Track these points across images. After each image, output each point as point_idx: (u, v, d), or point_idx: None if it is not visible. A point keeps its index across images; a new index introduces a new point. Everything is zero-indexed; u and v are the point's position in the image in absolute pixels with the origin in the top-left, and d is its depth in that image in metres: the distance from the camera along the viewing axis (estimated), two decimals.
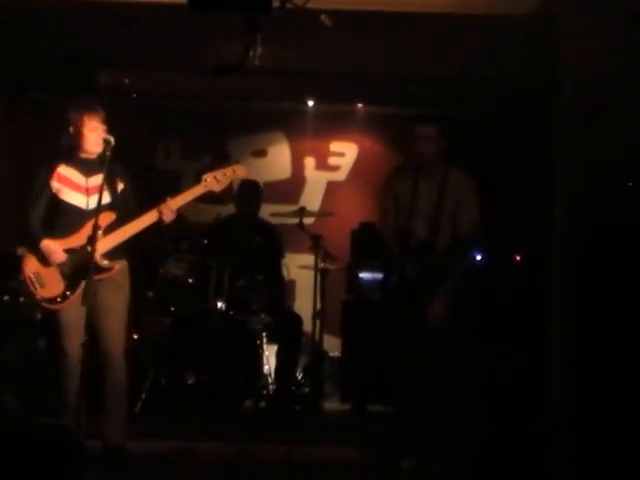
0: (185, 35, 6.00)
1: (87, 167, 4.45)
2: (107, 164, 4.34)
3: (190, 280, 6.04)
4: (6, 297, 5.82)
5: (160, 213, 4.39)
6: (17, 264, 5.94)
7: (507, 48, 5.81)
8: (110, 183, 4.44)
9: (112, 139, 4.38)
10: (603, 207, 4.56)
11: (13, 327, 5.73)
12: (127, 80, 7.24)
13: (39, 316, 5.70)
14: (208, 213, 6.31)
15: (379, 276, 6.26)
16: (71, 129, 4.46)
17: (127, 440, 4.47)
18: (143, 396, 5.61)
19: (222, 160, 7.54)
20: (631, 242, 4.45)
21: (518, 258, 6.22)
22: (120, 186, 4.50)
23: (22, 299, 5.77)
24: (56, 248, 4.40)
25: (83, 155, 4.47)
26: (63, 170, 4.47)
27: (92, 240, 4.23)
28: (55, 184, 4.47)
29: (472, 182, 4.67)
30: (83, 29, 6.00)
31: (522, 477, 4.03)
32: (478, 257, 5.76)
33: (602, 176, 4.60)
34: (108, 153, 4.36)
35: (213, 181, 4.48)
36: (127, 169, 4.61)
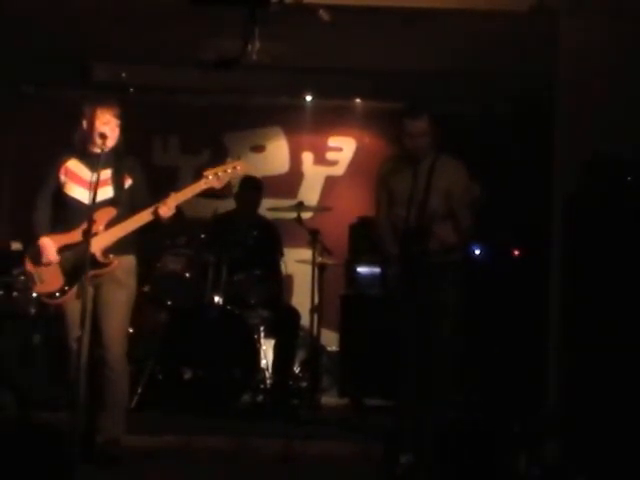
0: (183, 29, 5.98)
1: (95, 162, 4.39)
2: (103, 156, 4.31)
3: (187, 275, 6.03)
4: (0, 292, 5.80)
5: (157, 209, 4.35)
6: (10, 259, 5.98)
7: (507, 44, 5.80)
8: (117, 178, 4.42)
9: (108, 133, 4.36)
10: (602, 201, 4.56)
11: (7, 322, 5.72)
12: (124, 74, 7.22)
13: (33, 311, 5.70)
14: (206, 208, 6.30)
15: (377, 271, 6.25)
16: (84, 122, 4.44)
17: (124, 435, 4.45)
18: (140, 391, 5.61)
19: (220, 155, 7.55)
20: (630, 236, 4.45)
21: (517, 252, 6.22)
22: (128, 182, 4.46)
23: (15, 294, 5.76)
24: (50, 249, 4.38)
25: (95, 149, 4.43)
26: (72, 164, 4.45)
27: (87, 235, 4.20)
28: (62, 177, 4.46)
29: (461, 166, 4.68)
30: (80, 23, 5.98)
31: (522, 470, 4.04)
32: (477, 251, 5.78)
33: (601, 171, 4.61)
34: (104, 148, 4.34)
35: (214, 178, 4.44)
36: (139, 165, 4.59)
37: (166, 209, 4.36)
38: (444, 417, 4.49)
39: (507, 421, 4.57)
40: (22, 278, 5.78)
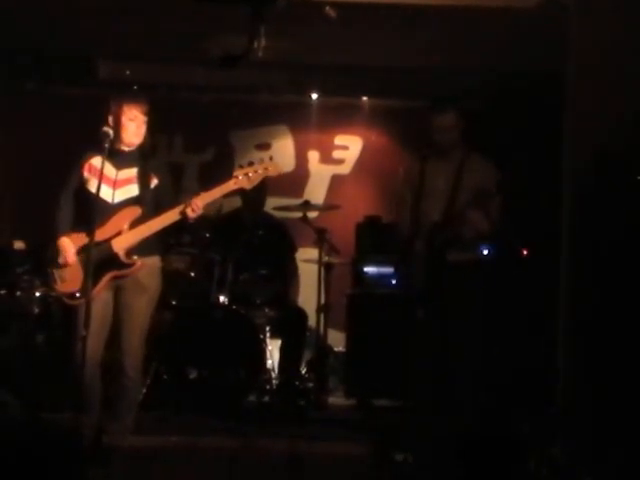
0: (188, 26, 5.96)
1: (121, 160, 4.36)
2: (106, 154, 4.25)
3: (192, 274, 6.00)
4: (3, 291, 5.78)
5: (187, 209, 4.29)
6: (13, 258, 5.96)
7: (515, 41, 5.78)
8: (142, 177, 4.37)
9: (111, 131, 4.28)
10: (611, 201, 4.53)
11: (10, 321, 5.69)
12: (128, 72, 7.19)
13: (36, 310, 5.68)
14: (209, 205, 6.23)
15: (384, 270, 6.23)
16: (110, 119, 4.37)
17: (129, 436, 4.44)
18: (144, 391, 5.57)
19: (226, 153, 7.53)
20: (638, 235, 4.42)
21: (525, 252, 6.19)
22: (154, 181, 4.41)
23: (19, 293, 5.74)
24: (69, 250, 4.33)
25: (121, 146, 4.39)
26: (96, 161, 4.36)
27: (91, 234, 4.13)
28: (85, 174, 4.40)
29: (492, 165, 4.65)
30: (84, 20, 5.96)
31: (532, 470, 4.01)
32: (485, 251, 5.73)
33: (610, 169, 4.57)
34: (106, 145, 4.26)
35: (244, 178, 4.37)
36: (165, 165, 4.54)
37: (194, 209, 4.30)
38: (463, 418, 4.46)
39: (516, 422, 4.54)
40: (25, 277, 5.79)
